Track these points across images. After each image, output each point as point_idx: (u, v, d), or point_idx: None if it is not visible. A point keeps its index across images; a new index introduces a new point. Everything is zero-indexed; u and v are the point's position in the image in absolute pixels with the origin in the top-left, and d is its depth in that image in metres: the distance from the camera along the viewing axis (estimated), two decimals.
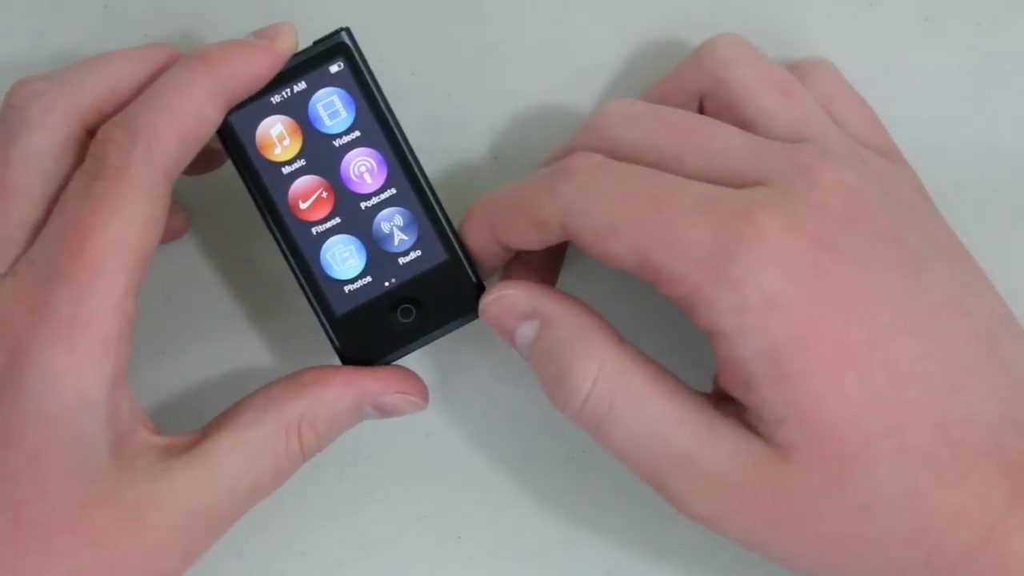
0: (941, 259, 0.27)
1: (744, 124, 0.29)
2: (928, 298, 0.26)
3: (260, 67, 0.28)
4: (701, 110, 0.31)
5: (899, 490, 0.25)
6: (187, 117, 0.27)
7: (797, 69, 0.32)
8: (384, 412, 0.30)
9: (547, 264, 0.32)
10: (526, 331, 0.28)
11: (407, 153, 0.29)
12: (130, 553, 0.26)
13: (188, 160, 0.27)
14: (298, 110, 0.29)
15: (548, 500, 0.34)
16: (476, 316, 0.30)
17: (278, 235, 0.29)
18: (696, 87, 0.30)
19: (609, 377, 0.27)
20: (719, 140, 0.28)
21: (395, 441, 0.34)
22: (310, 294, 0.29)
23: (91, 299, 0.25)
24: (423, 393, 0.30)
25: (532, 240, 0.28)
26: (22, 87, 0.28)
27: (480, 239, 0.30)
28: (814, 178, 0.27)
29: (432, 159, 0.32)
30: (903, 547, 0.25)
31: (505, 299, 0.29)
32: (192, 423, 0.30)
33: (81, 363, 0.25)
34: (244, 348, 0.34)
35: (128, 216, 0.26)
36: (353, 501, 0.34)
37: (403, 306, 0.30)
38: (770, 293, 0.25)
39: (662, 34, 0.34)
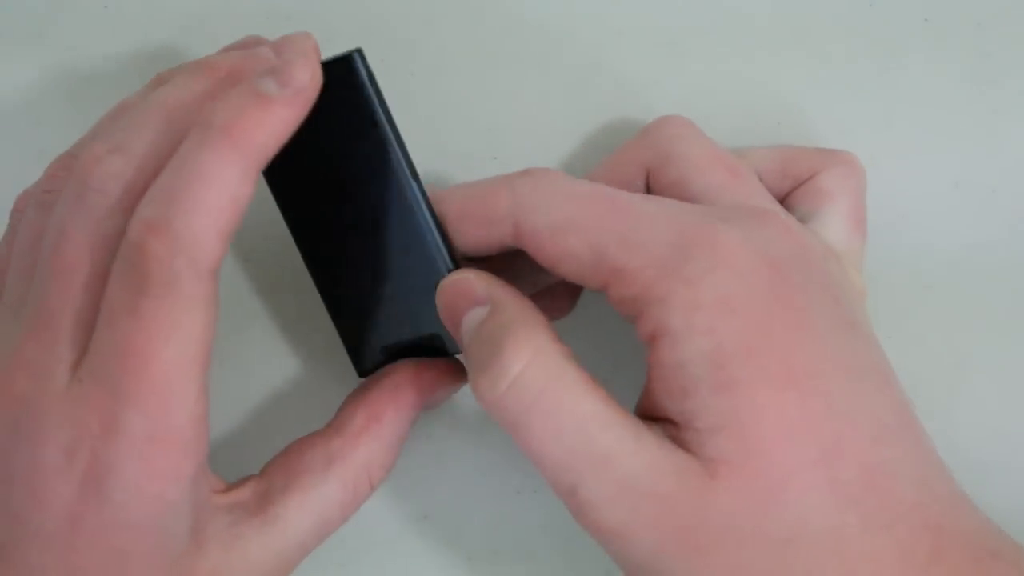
0: (868, 338, 0.27)
1: (691, 200, 0.29)
2: (859, 357, 0.26)
3: (288, 123, 0.26)
4: (647, 187, 0.31)
5: (826, 528, 0.24)
6: (224, 210, 0.25)
7: (825, 154, 0.32)
8: (434, 407, 0.30)
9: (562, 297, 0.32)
10: (474, 316, 0.28)
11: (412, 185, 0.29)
12: None
13: (230, 242, 0.26)
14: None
15: (548, 500, 0.34)
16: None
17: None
18: (643, 162, 0.30)
19: (542, 365, 0.26)
20: None
21: None
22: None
23: (163, 419, 0.25)
24: (463, 373, 0.30)
25: (481, 238, 0.28)
26: (86, 170, 0.27)
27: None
28: (768, 219, 0.27)
29: (432, 159, 0.32)
30: None
31: (464, 282, 0.28)
32: None
33: (162, 474, 0.25)
34: (244, 348, 0.34)
35: (185, 332, 0.25)
36: None
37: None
38: (725, 295, 0.25)
39: (662, 34, 0.34)
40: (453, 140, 0.34)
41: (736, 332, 0.25)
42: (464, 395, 0.34)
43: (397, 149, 0.28)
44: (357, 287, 0.29)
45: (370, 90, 0.28)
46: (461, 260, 0.29)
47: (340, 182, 0.28)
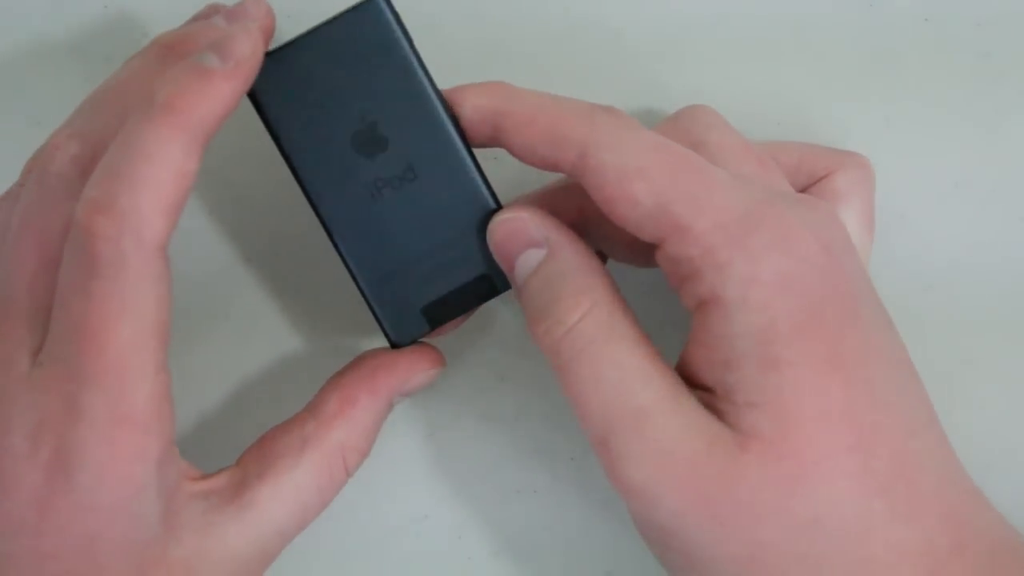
0: (898, 332, 0.28)
1: None
2: (897, 351, 0.27)
3: (230, 96, 0.26)
4: None
5: (852, 512, 0.24)
6: (168, 185, 0.25)
7: (841, 154, 0.32)
8: (410, 394, 0.30)
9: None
10: (530, 258, 0.28)
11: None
12: None
13: (178, 218, 0.26)
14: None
15: (548, 500, 0.34)
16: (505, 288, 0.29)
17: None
18: None
19: (596, 317, 0.26)
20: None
21: (395, 441, 0.34)
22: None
23: (123, 397, 0.25)
24: (439, 359, 0.30)
25: (536, 152, 0.27)
26: (48, 156, 0.27)
27: (476, 121, 0.28)
28: (817, 206, 0.27)
29: None
30: None
31: (518, 221, 0.28)
32: (193, 423, 0.30)
33: (126, 455, 0.25)
34: (244, 348, 0.34)
35: (137, 310, 0.25)
36: (353, 501, 0.34)
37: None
38: (784, 273, 0.25)
39: (662, 34, 0.34)
40: None
41: (789, 311, 0.25)
42: (465, 396, 0.34)
43: (430, 88, 0.28)
44: (391, 245, 0.29)
45: (397, 31, 0.27)
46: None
47: (369, 132, 0.28)
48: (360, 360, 0.30)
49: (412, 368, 0.30)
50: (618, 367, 0.26)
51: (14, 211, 0.27)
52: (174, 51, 0.28)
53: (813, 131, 0.34)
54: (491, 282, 0.29)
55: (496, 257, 0.28)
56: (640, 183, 0.26)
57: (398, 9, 0.28)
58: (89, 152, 0.27)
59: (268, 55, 0.28)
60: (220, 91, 0.25)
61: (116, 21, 0.35)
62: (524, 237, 0.28)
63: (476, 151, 0.29)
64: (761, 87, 0.34)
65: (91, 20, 0.34)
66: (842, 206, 0.31)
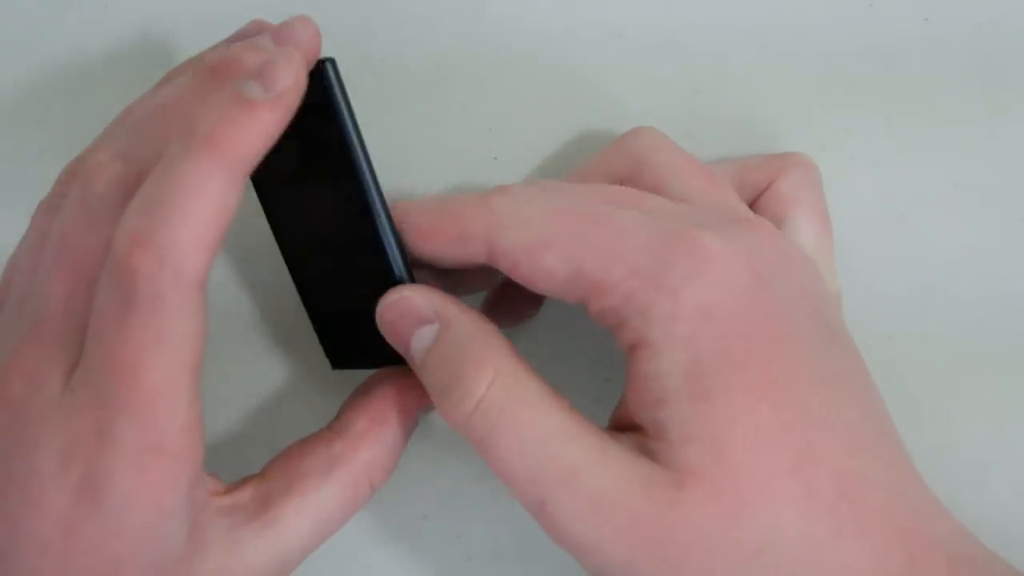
0: (847, 347, 0.27)
1: None
2: (836, 367, 0.26)
3: (272, 127, 0.25)
4: None
5: (798, 537, 0.24)
6: (209, 221, 0.24)
7: (779, 159, 0.32)
8: (432, 410, 0.30)
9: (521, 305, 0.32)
10: (424, 335, 0.27)
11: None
12: None
13: (216, 252, 0.26)
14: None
15: None
16: None
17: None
18: (619, 171, 0.30)
19: (504, 383, 0.26)
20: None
21: None
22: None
23: (156, 429, 0.25)
24: None
25: (449, 254, 0.28)
26: (91, 175, 0.27)
27: None
28: (754, 225, 0.27)
29: (431, 160, 0.32)
30: None
31: (405, 300, 0.28)
32: None
33: (156, 484, 0.25)
34: (244, 349, 0.34)
35: (173, 345, 0.24)
36: None
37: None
38: (705, 304, 0.25)
39: (661, 34, 0.34)
40: (453, 140, 0.34)
41: (714, 341, 0.25)
42: None
43: (361, 159, 0.28)
44: (328, 288, 0.29)
45: (339, 100, 0.27)
46: (421, 270, 0.29)
47: (309, 186, 0.28)
48: (388, 377, 0.30)
49: None
50: (537, 429, 0.25)
51: (53, 224, 0.27)
52: (218, 75, 0.27)
53: (813, 131, 0.34)
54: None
55: (390, 341, 0.28)
56: (548, 253, 0.26)
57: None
58: (134, 174, 0.26)
59: None
60: (263, 123, 0.25)
61: (116, 21, 0.35)
62: (414, 315, 0.27)
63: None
64: (761, 87, 0.34)
65: (91, 20, 0.34)
66: (792, 210, 0.31)
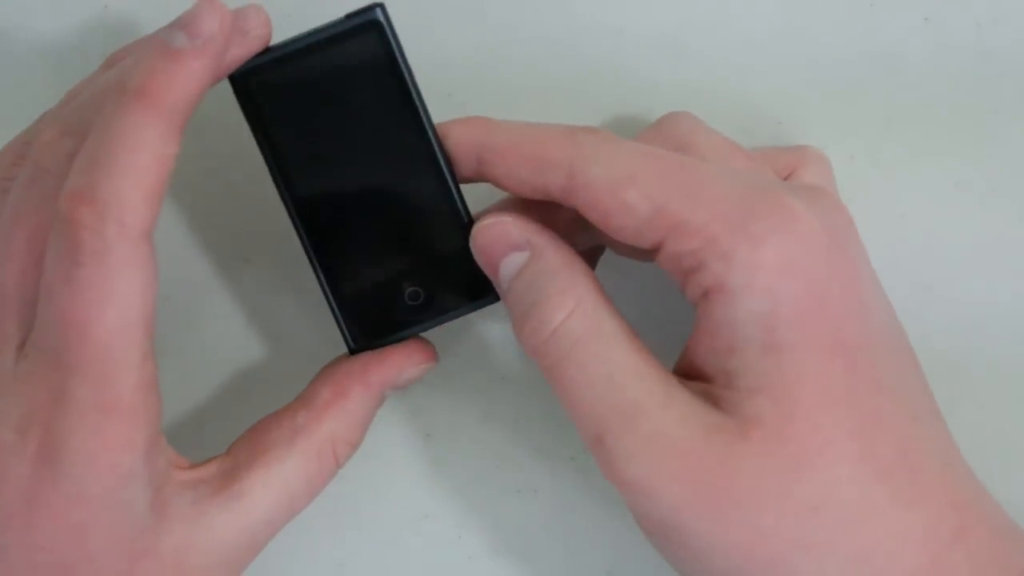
0: (901, 326, 0.28)
1: None
2: (901, 336, 0.27)
3: (202, 75, 0.25)
4: None
5: (854, 498, 0.24)
6: (149, 171, 0.25)
7: (795, 150, 0.32)
8: (402, 388, 0.30)
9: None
10: (513, 261, 0.28)
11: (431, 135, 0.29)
12: None
13: (161, 204, 0.26)
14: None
15: (548, 500, 0.34)
16: (492, 300, 0.29)
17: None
18: None
19: (582, 315, 0.26)
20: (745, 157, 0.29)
21: (395, 441, 0.34)
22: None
23: (109, 387, 0.25)
24: (432, 354, 0.30)
25: (523, 180, 0.28)
26: (37, 159, 0.27)
27: (459, 156, 0.28)
28: (821, 192, 0.27)
29: None
30: (844, 562, 0.24)
31: (500, 225, 0.28)
32: (192, 422, 0.30)
33: (113, 444, 0.25)
34: (244, 348, 0.34)
35: (122, 298, 0.25)
36: (353, 501, 0.34)
37: (411, 288, 0.29)
38: (788, 258, 0.25)
39: (662, 34, 0.34)
40: None
41: (793, 295, 0.25)
42: (465, 396, 0.34)
43: (416, 100, 0.28)
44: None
45: (396, 52, 0.27)
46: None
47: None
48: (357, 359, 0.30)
49: (404, 361, 0.30)
50: (607, 364, 0.26)
51: (4, 205, 0.27)
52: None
53: (813, 131, 0.34)
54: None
55: (480, 262, 0.28)
56: (633, 189, 0.26)
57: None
58: (81, 147, 0.26)
59: (262, 53, 0.28)
60: (191, 71, 0.25)
61: (116, 21, 0.35)
62: (507, 241, 0.28)
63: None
64: (761, 87, 0.34)
65: (91, 20, 0.34)
66: None
